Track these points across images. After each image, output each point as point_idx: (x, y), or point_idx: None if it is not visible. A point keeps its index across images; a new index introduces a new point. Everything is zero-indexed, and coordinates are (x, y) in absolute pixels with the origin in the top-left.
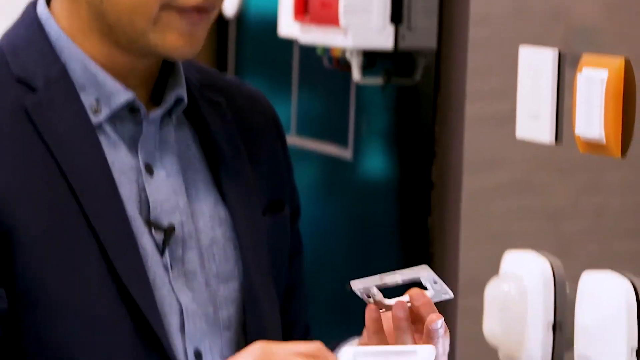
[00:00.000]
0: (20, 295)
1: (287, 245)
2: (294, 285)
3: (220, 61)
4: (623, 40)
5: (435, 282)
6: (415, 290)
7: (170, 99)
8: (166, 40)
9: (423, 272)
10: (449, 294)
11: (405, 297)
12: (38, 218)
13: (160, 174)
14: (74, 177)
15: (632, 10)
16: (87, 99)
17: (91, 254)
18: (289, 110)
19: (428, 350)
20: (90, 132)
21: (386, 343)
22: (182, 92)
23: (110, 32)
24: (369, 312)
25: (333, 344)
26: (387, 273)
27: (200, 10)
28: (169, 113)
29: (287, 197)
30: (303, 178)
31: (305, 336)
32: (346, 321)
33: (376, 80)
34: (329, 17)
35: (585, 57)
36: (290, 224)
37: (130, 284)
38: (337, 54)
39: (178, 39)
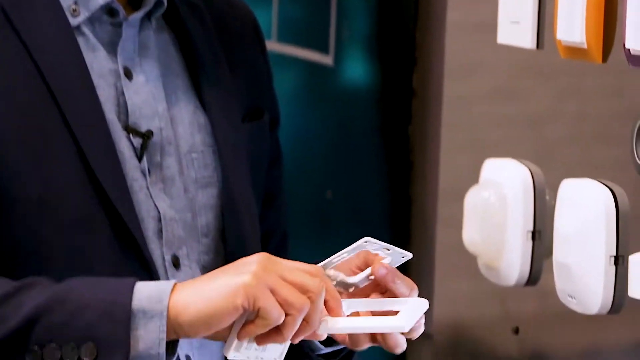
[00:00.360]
0: None
1: (266, 153)
2: (272, 193)
3: None
4: None
5: (388, 249)
6: (376, 265)
7: (149, 2)
8: None
9: (369, 245)
10: (407, 255)
11: (367, 271)
12: (15, 116)
13: (139, 78)
14: (52, 78)
15: None
16: (65, 1)
17: (69, 155)
18: (269, 15)
19: (420, 301)
20: (69, 34)
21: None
22: None
23: None
24: None
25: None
26: (335, 255)
27: None
28: (148, 17)
29: (267, 104)
30: (284, 85)
31: (283, 243)
32: (326, 228)
33: None
34: None
35: None
36: (269, 131)
37: (108, 187)
38: None
39: None
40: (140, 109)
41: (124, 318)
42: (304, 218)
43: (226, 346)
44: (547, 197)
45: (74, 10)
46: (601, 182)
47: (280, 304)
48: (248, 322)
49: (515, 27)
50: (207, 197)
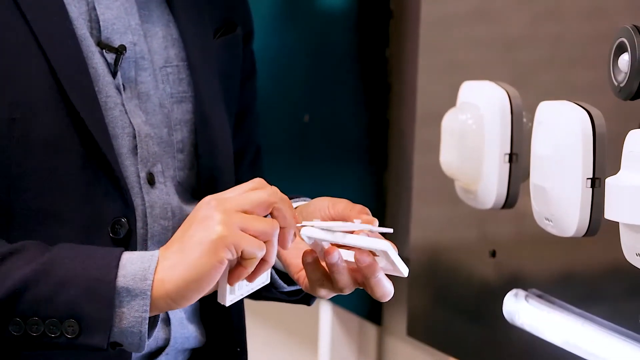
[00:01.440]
0: None
1: (238, 68)
2: (246, 108)
3: None
4: None
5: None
6: (360, 254)
7: None
8: None
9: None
10: (388, 230)
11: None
12: None
13: None
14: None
15: None
16: None
17: (39, 73)
18: None
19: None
20: None
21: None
22: None
23: None
24: (304, 257)
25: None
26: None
27: None
28: None
29: (240, 17)
30: (260, 6)
31: (257, 157)
32: (304, 151)
33: None
34: None
35: None
36: (243, 45)
37: (79, 105)
38: None
39: None
40: (113, 24)
41: (108, 296)
42: (281, 142)
43: (220, 296)
44: (525, 120)
45: None
46: (578, 104)
47: (256, 237)
48: (234, 266)
49: None
50: (182, 112)
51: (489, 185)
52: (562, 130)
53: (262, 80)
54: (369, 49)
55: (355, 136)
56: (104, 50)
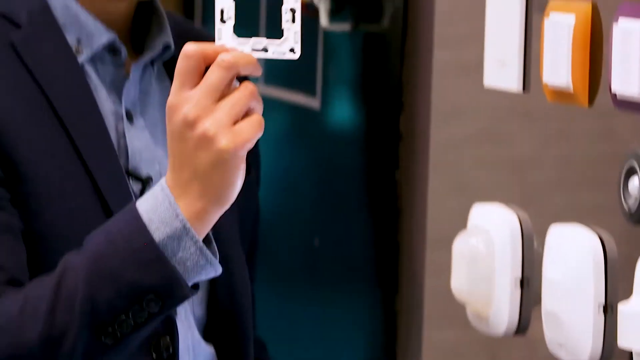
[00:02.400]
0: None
1: (253, 209)
2: (252, 246)
3: (187, 9)
4: None
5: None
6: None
7: (157, 46)
8: None
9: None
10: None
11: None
12: (33, 155)
13: (140, 122)
14: (65, 115)
15: None
16: (69, 40)
17: (86, 192)
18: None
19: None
20: (78, 71)
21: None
22: (169, 39)
23: None
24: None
25: None
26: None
27: None
28: (151, 62)
29: (254, 162)
30: (271, 128)
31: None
32: (314, 276)
33: (344, 26)
34: None
35: (552, 2)
36: (256, 189)
37: None
38: None
39: None
40: (141, 153)
41: (158, 257)
42: (292, 266)
43: None
44: (535, 244)
45: (77, 50)
46: (589, 228)
47: (245, 110)
48: None
49: (501, 70)
50: None
51: (500, 310)
52: (573, 254)
53: (271, 203)
54: (379, 172)
55: (365, 260)
56: (130, 179)
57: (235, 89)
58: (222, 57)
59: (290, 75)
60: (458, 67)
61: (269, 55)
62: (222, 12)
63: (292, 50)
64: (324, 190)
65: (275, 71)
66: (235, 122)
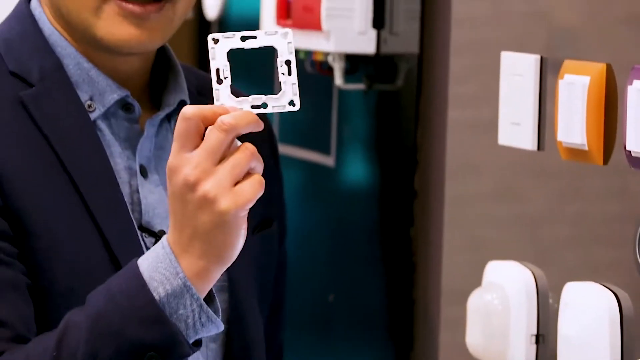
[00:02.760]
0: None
1: (274, 262)
2: (277, 304)
3: (202, 63)
4: (605, 45)
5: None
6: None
7: (172, 102)
8: (113, 31)
9: (280, 42)
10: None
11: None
12: (41, 210)
13: (154, 177)
14: (75, 171)
15: (613, 16)
16: (82, 97)
17: (94, 246)
18: (271, 116)
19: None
20: (89, 127)
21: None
22: (185, 96)
23: (72, 29)
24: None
25: None
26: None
27: (141, 2)
28: (167, 117)
29: (276, 214)
30: (285, 185)
31: (278, 356)
32: (327, 328)
33: (358, 86)
34: (311, 22)
35: (567, 64)
36: (277, 241)
37: None
38: (319, 58)
39: (124, 31)
40: (154, 208)
41: (158, 314)
42: (306, 320)
43: None
44: (551, 301)
45: (90, 106)
46: (604, 286)
47: (245, 171)
48: None
49: (516, 129)
50: (220, 302)
51: None
52: (589, 311)
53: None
54: (394, 228)
55: (380, 315)
56: (143, 234)
57: (235, 149)
58: (222, 120)
59: (305, 133)
60: (472, 125)
61: (269, 110)
62: (217, 72)
63: (291, 102)
64: (338, 247)
65: (289, 129)
66: (236, 183)
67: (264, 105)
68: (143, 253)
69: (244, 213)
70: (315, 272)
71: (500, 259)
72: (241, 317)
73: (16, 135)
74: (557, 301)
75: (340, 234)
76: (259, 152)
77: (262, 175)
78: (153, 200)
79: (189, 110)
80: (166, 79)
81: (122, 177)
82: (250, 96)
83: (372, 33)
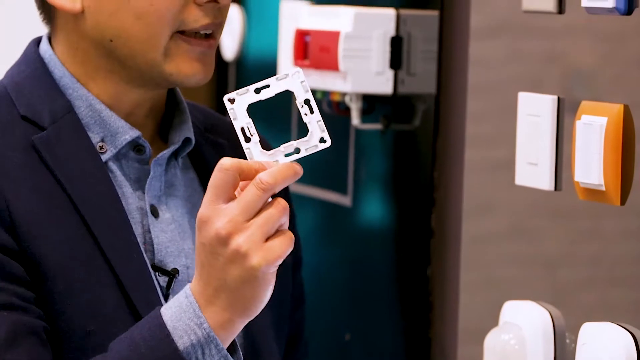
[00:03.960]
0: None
1: (288, 294)
2: (296, 335)
3: (220, 103)
4: (621, 86)
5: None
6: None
7: (177, 140)
8: (180, 67)
9: (294, 84)
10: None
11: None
12: (55, 253)
13: (165, 216)
14: (87, 213)
15: (630, 57)
16: (93, 138)
17: (110, 287)
18: None
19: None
20: (101, 169)
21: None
22: (189, 133)
23: (122, 69)
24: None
25: None
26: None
27: (207, 34)
28: (174, 155)
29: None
30: (302, 224)
31: None
32: None
33: (375, 125)
34: (328, 62)
35: (584, 105)
36: (292, 273)
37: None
38: (336, 98)
39: (191, 67)
40: (167, 247)
41: None
42: (321, 358)
43: None
44: (567, 341)
45: (101, 148)
46: (621, 326)
47: (277, 227)
48: None
49: (533, 169)
50: (237, 337)
51: None
52: (606, 352)
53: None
54: (410, 267)
55: (397, 355)
56: (157, 274)
57: (268, 204)
58: (261, 178)
59: (322, 173)
60: (489, 165)
61: (303, 154)
62: (243, 131)
63: (322, 140)
64: (355, 286)
65: (306, 169)
66: (267, 239)
67: (297, 151)
68: (157, 293)
69: (274, 269)
70: (332, 311)
71: (517, 299)
72: (257, 351)
73: (29, 179)
74: (574, 341)
75: (356, 273)
76: None
77: None
78: (165, 239)
79: (227, 161)
80: (172, 116)
81: (135, 218)
82: (282, 145)
83: (390, 73)
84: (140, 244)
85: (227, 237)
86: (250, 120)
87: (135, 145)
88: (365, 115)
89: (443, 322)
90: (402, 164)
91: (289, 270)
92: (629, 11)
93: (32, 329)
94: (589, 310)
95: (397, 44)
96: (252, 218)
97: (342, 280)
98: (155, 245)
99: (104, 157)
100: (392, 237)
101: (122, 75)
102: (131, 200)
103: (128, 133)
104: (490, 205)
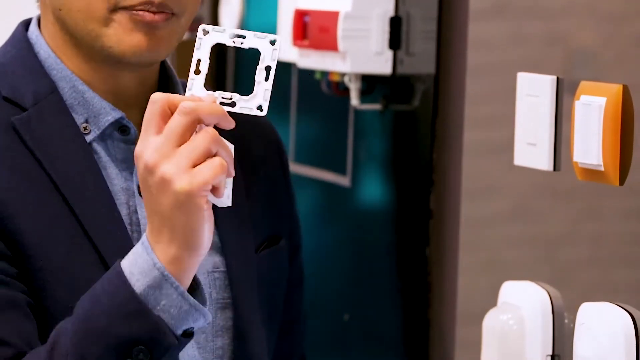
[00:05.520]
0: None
1: (283, 279)
2: (292, 319)
3: (218, 84)
4: (621, 66)
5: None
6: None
7: None
8: (121, 41)
9: (266, 47)
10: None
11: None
12: (38, 231)
13: None
14: (69, 193)
15: (629, 37)
16: (77, 119)
17: (92, 264)
18: (287, 136)
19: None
20: (84, 149)
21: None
22: None
23: (77, 43)
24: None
25: None
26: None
27: (152, 10)
28: None
29: (285, 230)
30: (301, 205)
31: None
32: (342, 347)
33: (374, 106)
34: (328, 42)
35: (583, 85)
36: (289, 257)
37: None
38: (335, 78)
39: (132, 39)
40: None
41: (142, 308)
42: (321, 341)
43: (220, 203)
44: (566, 321)
45: (85, 129)
46: (620, 306)
47: (205, 157)
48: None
49: (531, 149)
50: (224, 319)
51: None
52: (604, 332)
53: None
54: (409, 248)
55: (395, 335)
56: None
57: (197, 133)
58: (183, 103)
59: (321, 153)
60: (488, 146)
61: (237, 109)
62: (198, 63)
63: (259, 107)
64: (354, 266)
65: (305, 149)
66: (195, 166)
67: (232, 104)
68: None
69: (203, 194)
70: (331, 292)
71: (516, 279)
72: (245, 333)
73: (9, 160)
74: (573, 321)
75: (355, 253)
76: (266, 170)
77: (268, 189)
78: None
79: (156, 94)
80: None
81: (120, 198)
82: (221, 92)
83: (389, 54)
84: (127, 224)
85: (154, 166)
86: (208, 60)
87: (119, 126)
88: (365, 95)
89: (442, 303)
90: (401, 144)
91: (283, 255)
92: None
93: (14, 302)
94: (588, 290)
95: (396, 24)
96: (179, 146)
97: (340, 261)
98: (142, 226)
99: (88, 138)
100: (391, 217)
101: (81, 50)
102: (116, 182)
103: (110, 114)
104: (489, 186)
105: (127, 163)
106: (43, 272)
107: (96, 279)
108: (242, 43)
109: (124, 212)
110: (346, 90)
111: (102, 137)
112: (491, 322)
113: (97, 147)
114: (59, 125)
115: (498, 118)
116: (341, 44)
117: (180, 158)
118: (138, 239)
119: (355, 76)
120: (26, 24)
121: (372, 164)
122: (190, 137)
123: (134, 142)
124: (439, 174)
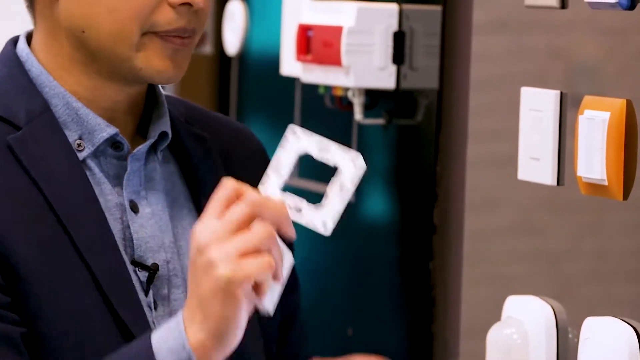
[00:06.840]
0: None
1: (277, 314)
2: (290, 317)
3: (222, 99)
4: (624, 81)
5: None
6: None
7: (154, 134)
8: (150, 64)
9: (348, 166)
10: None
11: None
12: (31, 253)
13: (145, 211)
14: (63, 212)
15: (633, 51)
16: (71, 136)
17: (86, 287)
18: None
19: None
20: (77, 167)
21: None
22: (165, 126)
23: (93, 62)
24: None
25: None
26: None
27: (181, 35)
28: (153, 149)
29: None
30: None
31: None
32: None
33: (378, 120)
34: (331, 57)
35: (587, 100)
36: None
37: (127, 320)
38: (339, 93)
39: (162, 63)
40: (147, 243)
41: None
42: (324, 355)
43: (261, 308)
44: (570, 336)
45: (79, 145)
46: (624, 321)
47: (255, 251)
48: (254, 286)
49: (535, 164)
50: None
51: None
52: (609, 347)
53: (305, 292)
54: (413, 263)
55: (399, 350)
56: (136, 269)
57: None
58: (249, 195)
59: (324, 168)
60: (491, 160)
61: (302, 219)
62: (279, 163)
63: (324, 224)
64: (357, 280)
65: (309, 164)
66: (243, 257)
67: (299, 211)
68: (134, 289)
69: (244, 286)
70: (334, 306)
71: (520, 294)
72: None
73: (4, 180)
74: (577, 336)
75: (359, 268)
76: (251, 175)
77: None
78: (145, 235)
79: (229, 182)
80: (151, 111)
81: (114, 214)
82: (293, 196)
83: (392, 68)
84: (120, 241)
85: (204, 247)
86: (292, 166)
87: (113, 142)
88: (368, 110)
89: (445, 317)
90: (404, 159)
91: None
92: (631, 6)
93: (7, 337)
94: (592, 304)
95: (399, 39)
96: (234, 234)
97: (344, 275)
98: (135, 241)
99: (81, 155)
100: (394, 232)
101: (95, 68)
102: (110, 197)
103: (105, 130)
104: (492, 201)
105: (120, 179)
106: (38, 297)
107: (88, 300)
108: (327, 155)
109: (117, 227)
110: (350, 104)
111: (96, 154)
112: (495, 336)
113: (91, 163)
114: (53, 143)
115: (501, 132)
116: (345, 58)
117: (231, 245)
118: (131, 255)
119: (358, 91)
120: (14, 41)
121: (376, 179)
122: (247, 228)
123: (126, 158)
124: (443, 188)
